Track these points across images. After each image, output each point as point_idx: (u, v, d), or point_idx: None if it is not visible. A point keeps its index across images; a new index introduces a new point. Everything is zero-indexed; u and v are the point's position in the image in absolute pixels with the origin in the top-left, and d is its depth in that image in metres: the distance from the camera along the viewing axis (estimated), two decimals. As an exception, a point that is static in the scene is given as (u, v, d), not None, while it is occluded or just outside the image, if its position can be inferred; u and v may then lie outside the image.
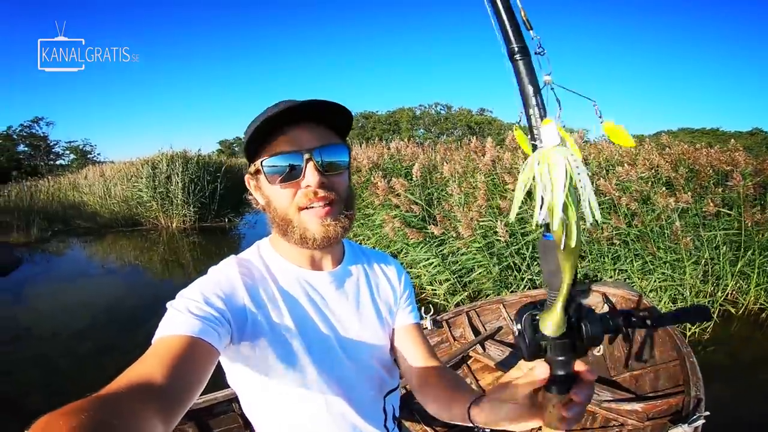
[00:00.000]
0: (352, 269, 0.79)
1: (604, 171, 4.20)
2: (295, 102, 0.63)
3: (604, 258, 3.78)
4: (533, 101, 0.43)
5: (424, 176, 5.37)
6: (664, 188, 3.62)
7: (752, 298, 3.89)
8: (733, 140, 5.10)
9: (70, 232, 10.42)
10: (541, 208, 0.38)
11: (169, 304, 0.61)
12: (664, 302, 3.52)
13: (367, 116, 29.97)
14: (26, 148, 25.59)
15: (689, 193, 3.53)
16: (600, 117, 0.41)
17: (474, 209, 3.60)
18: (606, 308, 2.60)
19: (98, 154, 27.32)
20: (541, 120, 0.41)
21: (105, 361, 3.55)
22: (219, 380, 0.69)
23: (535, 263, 3.75)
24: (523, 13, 0.45)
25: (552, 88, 0.42)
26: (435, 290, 4.13)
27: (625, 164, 3.78)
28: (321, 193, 0.65)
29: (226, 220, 10.82)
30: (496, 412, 0.52)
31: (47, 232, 9.94)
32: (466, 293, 3.90)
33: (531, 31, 0.45)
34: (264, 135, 0.65)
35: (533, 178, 0.39)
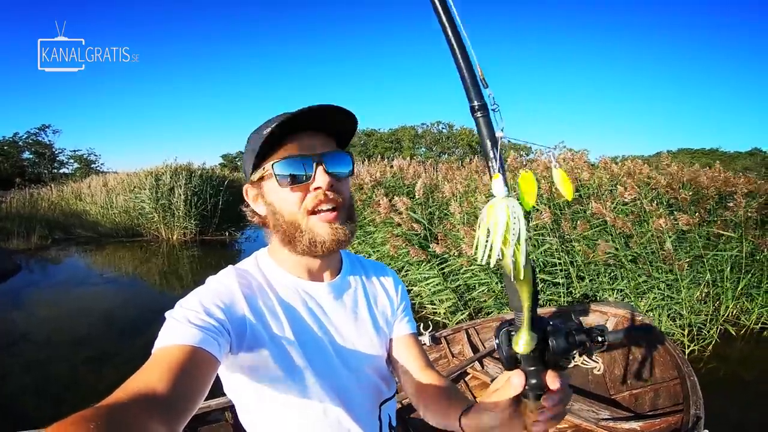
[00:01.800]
0: (350, 280, 0.80)
1: (604, 191, 4.27)
2: (306, 108, 0.64)
3: (601, 278, 3.81)
4: (491, 154, 0.49)
5: (426, 195, 5.44)
6: (663, 210, 3.68)
7: (754, 318, 3.93)
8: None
9: (71, 240, 10.43)
10: (483, 248, 0.43)
11: (168, 314, 0.62)
12: (664, 322, 3.54)
13: (369, 134, 30.29)
14: (31, 156, 25.78)
15: (696, 215, 3.59)
16: (556, 164, 0.48)
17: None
18: (609, 324, 2.61)
19: (102, 163, 27.48)
20: (496, 172, 0.46)
21: (101, 369, 3.54)
22: (212, 388, 0.71)
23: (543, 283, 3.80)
24: (480, 72, 0.50)
25: (507, 141, 0.49)
26: (436, 309, 4.14)
27: (626, 185, 3.84)
28: (330, 195, 0.67)
29: (227, 233, 10.81)
30: (484, 420, 0.54)
31: (47, 240, 9.96)
32: (467, 312, 3.91)
33: (487, 89, 0.50)
34: (272, 142, 0.66)
35: (481, 223, 0.44)
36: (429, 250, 3.96)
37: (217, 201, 10.73)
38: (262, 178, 0.70)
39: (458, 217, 4.10)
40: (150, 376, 0.49)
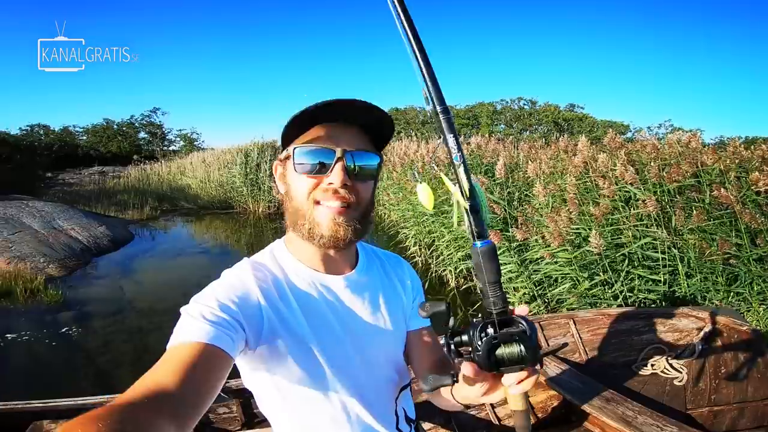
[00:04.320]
0: (367, 273, 0.79)
1: (731, 178, 3.59)
2: (345, 99, 0.63)
3: (716, 277, 3.24)
4: (454, 147, 0.55)
5: (507, 175, 5.10)
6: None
7: None
8: None
9: (176, 211, 11.67)
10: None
11: (183, 309, 0.61)
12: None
13: (446, 110, 29.31)
14: (146, 135, 29.36)
15: None
16: (419, 180, 0.66)
17: (563, 215, 3.29)
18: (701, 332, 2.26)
19: (203, 141, 30.24)
20: (458, 162, 0.56)
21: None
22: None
23: (630, 277, 3.36)
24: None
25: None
26: (513, 292, 3.91)
27: (762, 171, 3.16)
28: (341, 192, 0.65)
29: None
30: (463, 393, 0.60)
31: (157, 211, 11.24)
32: (543, 305, 3.61)
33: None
34: (304, 124, 0.66)
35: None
36: (507, 234, 3.70)
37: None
38: (287, 158, 0.69)
39: (542, 200, 3.75)
40: (161, 375, 0.49)
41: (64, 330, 3.95)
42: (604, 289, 3.33)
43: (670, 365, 2.24)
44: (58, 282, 5.32)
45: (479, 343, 0.51)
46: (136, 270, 6.23)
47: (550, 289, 3.60)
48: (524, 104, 28.38)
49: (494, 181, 4.58)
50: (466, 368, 0.51)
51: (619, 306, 3.16)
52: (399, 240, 6.41)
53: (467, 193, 0.55)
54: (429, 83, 0.56)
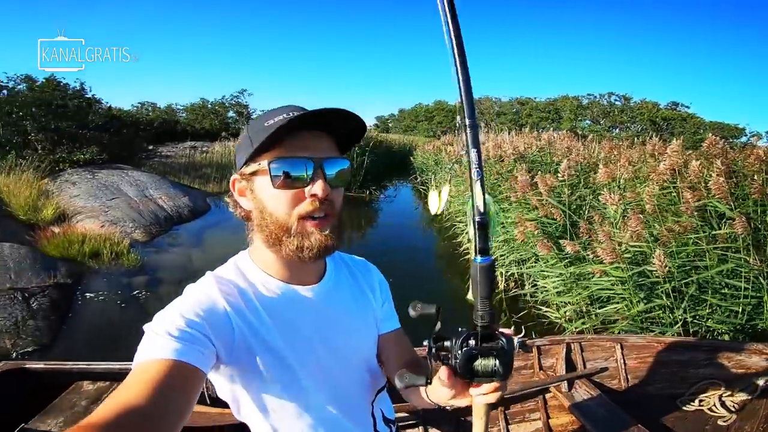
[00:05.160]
0: (336, 280, 0.79)
1: None
2: (319, 110, 0.61)
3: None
4: (475, 161, 0.56)
5: (578, 176, 4.60)
6: None
7: None
8: None
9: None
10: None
11: (146, 327, 0.58)
12: None
13: (523, 102, 27.62)
14: (233, 114, 31.85)
15: None
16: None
17: (631, 227, 2.86)
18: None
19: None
20: (476, 177, 0.56)
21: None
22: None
23: (697, 304, 2.86)
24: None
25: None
26: (551, 312, 3.55)
27: None
28: (325, 203, 0.64)
29: (368, 192, 11.52)
30: (436, 394, 0.62)
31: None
32: (590, 324, 3.21)
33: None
34: (275, 136, 0.61)
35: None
36: (559, 245, 3.31)
37: (363, 161, 11.41)
38: (254, 173, 0.66)
39: (612, 210, 3.30)
40: (132, 394, 0.47)
41: (135, 293, 4.43)
42: (664, 314, 2.88)
43: (722, 403, 1.95)
44: (139, 247, 5.98)
45: (459, 351, 0.54)
46: (207, 241, 6.78)
47: (599, 307, 3.20)
48: (616, 100, 25.68)
49: (564, 182, 4.09)
50: (443, 372, 0.55)
51: (677, 334, 2.77)
52: (452, 234, 6.19)
53: (480, 208, 0.55)
54: (464, 97, 0.56)
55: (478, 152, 0.56)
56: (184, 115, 30.44)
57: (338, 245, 0.69)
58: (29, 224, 5.89)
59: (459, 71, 0.56)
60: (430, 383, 0.59)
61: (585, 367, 2.28)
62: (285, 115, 0.62)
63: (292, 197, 0.64)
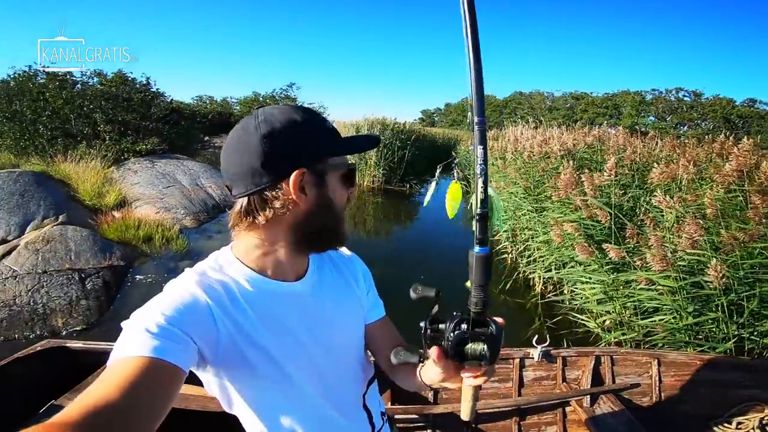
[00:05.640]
0: (320, 273, 0.79)
1: None
2: (364, 141, 0.74)
3: None
4: (480, 157, 0.57)
5: (633, 175, 4.24)
6: None
7: None
8: None
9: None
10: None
11: (124, 324, 0.57)
12: None
13: (578, 97, 26.02)
14: (284, 107, 33.12)
15: None
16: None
17: (688, 233, 2.57)
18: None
19: (328, 114, 32.86)
20: (480, 173, 0.58)
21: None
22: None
23: (758, 321, 2.54)
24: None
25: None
26: (586, 321, 3.30)
27: None
28: None
29: (408, 185, 11.45)
30: (428, 374, 0.66)
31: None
32: (630, 335, 2.94)
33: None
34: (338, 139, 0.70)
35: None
36: (602, 251, 3.05)
37: (404, 154, 11.35)
38: (323, 171, 0.67)
39: (667, 215, 2.99)
40: (108, 392, 0.46)
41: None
42: (717, 329, 2.58)
43: (762, 426, 1.80)
44: (187, 233, 6.34)
45: (451, 334, 0.58)
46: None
47: (642, 318, 2.94)
48: (684, 95, 23.50)
49: (615, 180, 3.75)
50: (434, 352, 0.58)
51: (729, 351, 2.51)
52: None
53: (479, 203, 0.57)
54: (475, 95, 0.57)
55: (485, 149, 0.57)
56: (237, 107, 31.88)
57: None
58: (94, 209, 6.43)
59: (472, 68, 0.57)
60: (423, 362, 0.63)
61: (614, 381, 2.13)
62: (334, 125, 0.70)
63: (345, 194, 0.72)
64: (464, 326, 0.57)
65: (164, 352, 0.52)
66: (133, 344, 0.52)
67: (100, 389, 0.46)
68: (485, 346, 0.57)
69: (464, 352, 0.58)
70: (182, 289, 0.63)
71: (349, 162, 0.72)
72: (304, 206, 0.66)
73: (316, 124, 0.67)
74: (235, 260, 0.69)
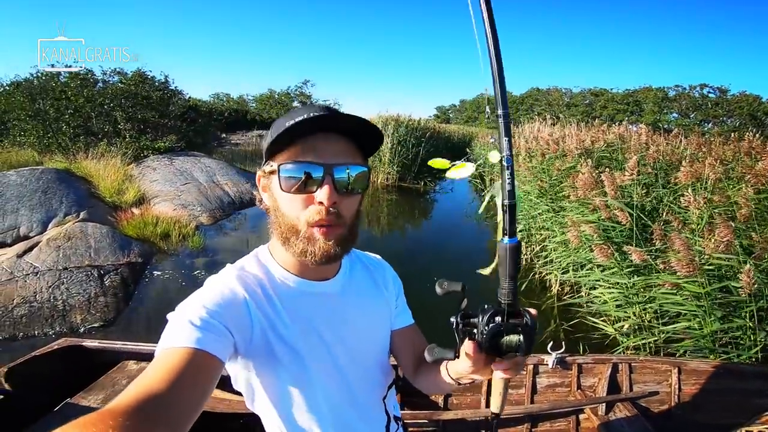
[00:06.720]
0: (351, 276, 0.80)
1: None
2: (329, 111, 0.63)
3: None
4: (506, 149, 0.57)
5: (656, 174, 4.09)
6: None
7: None
8: None
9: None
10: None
11: (169, 316, 0.60)
12: None
13: (597, 93, 25.39)
14: (298, 104, 33.20)
15: None
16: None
17: (718, 236, 2.46)
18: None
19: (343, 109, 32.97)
20: (507, 165, 0.57)
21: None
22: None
23: None
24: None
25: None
26: (613, 320, 3.19)
27: None
28: (332, 210, 0.64)
29: (422, 183, 11.37)
30: (456, 368, 0.65)
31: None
32: (651, 339, 2.83)
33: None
34: (289, 137, 0.62)
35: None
36: (623, 254, 2.94)
37: (418, 151, 11.27)
38: (272, 172, 0.66)
39: (693, 215, 2.87)
40: (153, 381, 0.49)
41: (195, 273, 4.76)
42: (744, 336, 2.47)
43: None
44: (203, 230, 6.42)
45: (486, 327, 0.56)
46: (262, 226, 7.04)
47: (664, 323, 2.82)
48: (709, 92, 22.73)
49: (636, 180, 3.59)
50: (468, 346, 0.57)
51: (755, 359, 2.41)
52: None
53: (507, 193, 0.57)
54: (498, 88, 0.57)
55: (510, 140, 0.57)
56: (253, 105, 32.16)
57: (347, 252, 0.69)
58: (113, 206, 6.57)
59: (494, 62, 0.56)
60: (458, 358, 0.62)
61: (631, 389, 2.06)
62: (305, 116, 0.61)
63: (301, 201, 0.64)
64: (498, 318, 0.57)
65: (206, 343, 0.55)
66: (178, 336, 0.55)
67: (148, 379, 0.49)
68: (521, 338, 0.56)
69: (500, 344, 0.57)
70: (222, 284, 0.67)
71: (306, 161, 0.62)
72: (268, 206, 0.71)
73: (278, 124, 0.66)
74: (270, 258, 0.74)
